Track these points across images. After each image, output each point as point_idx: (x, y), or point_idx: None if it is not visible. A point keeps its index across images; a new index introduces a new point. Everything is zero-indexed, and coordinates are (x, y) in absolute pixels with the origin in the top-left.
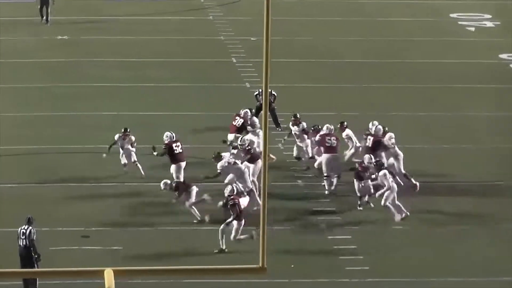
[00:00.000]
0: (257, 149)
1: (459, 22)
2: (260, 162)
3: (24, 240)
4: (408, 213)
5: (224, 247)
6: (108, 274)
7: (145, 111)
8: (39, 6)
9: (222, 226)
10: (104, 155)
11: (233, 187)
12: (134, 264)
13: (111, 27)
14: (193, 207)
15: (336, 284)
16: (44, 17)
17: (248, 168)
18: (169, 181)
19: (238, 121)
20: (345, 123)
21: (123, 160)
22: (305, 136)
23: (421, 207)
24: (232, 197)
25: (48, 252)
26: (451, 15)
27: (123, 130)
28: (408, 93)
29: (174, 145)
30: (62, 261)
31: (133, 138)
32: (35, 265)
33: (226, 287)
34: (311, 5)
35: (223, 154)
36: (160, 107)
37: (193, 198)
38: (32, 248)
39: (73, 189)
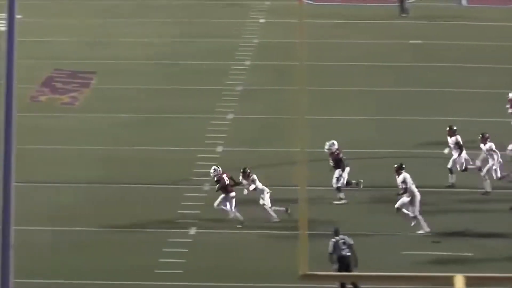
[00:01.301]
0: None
1: None
2: None
3: (347, 250)
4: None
5: None
6: (459, 281)
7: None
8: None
9: None
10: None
11: None
12: (484, 271)
13: (461, 31)
14: (221, 206)
15: None
16: (403, 11)
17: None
18: (218, 168)
19: None
20: (487, 134)
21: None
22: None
23: None
24: None
25: (397, 256)
26: None
27: (242, 171)
28: None
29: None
30: (409, 266)
31: (255, 176)
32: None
33: None
34: None
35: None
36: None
37: (231, 205)
38: (354, 255)
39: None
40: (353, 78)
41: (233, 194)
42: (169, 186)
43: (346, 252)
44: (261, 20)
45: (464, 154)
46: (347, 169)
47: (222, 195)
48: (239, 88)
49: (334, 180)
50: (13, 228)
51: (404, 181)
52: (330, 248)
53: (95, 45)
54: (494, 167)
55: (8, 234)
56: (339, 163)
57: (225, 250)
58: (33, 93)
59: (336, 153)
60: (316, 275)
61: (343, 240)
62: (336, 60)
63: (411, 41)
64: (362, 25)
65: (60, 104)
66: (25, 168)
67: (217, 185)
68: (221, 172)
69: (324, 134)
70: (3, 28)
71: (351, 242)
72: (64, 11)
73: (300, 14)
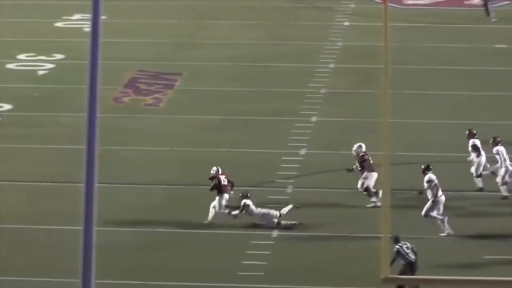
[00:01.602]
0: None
1: None
2: None
3: (412, 255)
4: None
5: None
6: None
7: None
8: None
9: None
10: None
11: None
12: None
13: None
14: (212, 208)
15: None
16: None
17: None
18: (218, 169)
19: None
20: (498, 138)
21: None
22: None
23: None
24: None
25: (479, 261)
26: None
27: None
28: None
29: (365, 156)
30: (490, 270)
31: (247, 202)
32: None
33: None
34: None
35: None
36: None
37: (221, 204)
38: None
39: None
40: (436, 82)
41: (226, 195)
42: (252, 188)
43: (411, 257)
44: (346, 23)
45: (475, 158)
46: (374, 174)
47: (218, 197)
48: (323, 90)
49: (360, 184)
50: (95, 228)
51: (429, 181)
52: (395, 255)
53: (179, 46)
54: (501, 173)
55: (90, 235)
56: (365, 166)
57: (307, 253)
58: (116, 94)
59: (361, 155)
60: (398, 278)
61: (406, 245)
62: (420, 63)
63: (496, 45)
64: (446, 28)
65: (143, 105)
66: (107, 169)
67: (212, 184)
68: (220, 173)
69: (407, 137)
70: (88, 29)
71: (412, 245)
72: (148, 12)
73: (385, 17)
